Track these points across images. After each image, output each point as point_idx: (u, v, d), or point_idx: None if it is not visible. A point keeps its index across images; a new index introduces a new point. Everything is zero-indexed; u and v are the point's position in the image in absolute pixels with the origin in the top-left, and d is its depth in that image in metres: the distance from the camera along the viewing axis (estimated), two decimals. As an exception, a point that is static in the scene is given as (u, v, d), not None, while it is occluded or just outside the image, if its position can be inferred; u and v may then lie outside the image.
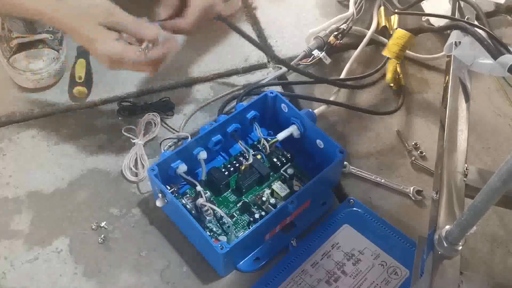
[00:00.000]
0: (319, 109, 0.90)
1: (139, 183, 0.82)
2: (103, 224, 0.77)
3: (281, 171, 0.80)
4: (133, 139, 0.84)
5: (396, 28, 1.02)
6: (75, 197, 0.80)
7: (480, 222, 0.53)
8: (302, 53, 0.98)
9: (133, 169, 0.82)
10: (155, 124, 0.86)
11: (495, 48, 0.74)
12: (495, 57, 0.73)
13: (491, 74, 0.76)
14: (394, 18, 1.04)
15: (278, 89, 0.94)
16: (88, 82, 0.90)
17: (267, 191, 0.78)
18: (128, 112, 0.89)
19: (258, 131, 0.82)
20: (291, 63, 0.95)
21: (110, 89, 0.93)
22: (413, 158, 0.87)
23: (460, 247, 0.58)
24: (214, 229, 0.74)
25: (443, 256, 0.59)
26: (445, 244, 0.58)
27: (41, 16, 0.73)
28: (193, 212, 0.73)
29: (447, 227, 0.59)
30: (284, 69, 0.96)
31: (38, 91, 0.91)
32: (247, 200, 0.78)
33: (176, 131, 0.88)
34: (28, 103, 0.90)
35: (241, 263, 0.74)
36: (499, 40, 0.75)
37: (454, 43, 0.81)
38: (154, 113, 0.87)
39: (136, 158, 0.83)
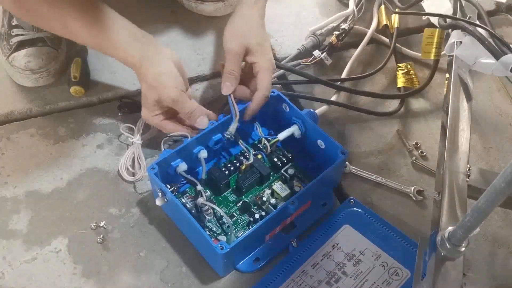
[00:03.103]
0: (320, 109, 0.89)
1: (137, 183, 0.81)
2: (102, 223, 0.76)
3: (282, 171, 0.80)
4: (131, 138, 0.83)
5: (397, 27, 1.02)
6: (74, 197, 0.79)
7: (482, 223, 0.52)
8: (296, 51, 0.97)
9: (130, 168, 0.82)
10: (154, 123, 0.85)
11: (497, 47, 0.74)
12: (497, 57, 0.72)
13: (494, 74, 0.76)
14: (395, 17, 1.03)
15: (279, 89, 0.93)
16: (84, 81, 0.90)
17: (268, 191, 0.77)
18: (128, 109, 0.88)
19: (259, 131, 0.81)
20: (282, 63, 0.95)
21: (109, 88, 0.92)
22: (413, 158, 0.87)
23: (463, 249, 0.58)
24: (214, 229, 0.74)
25: (446, 258, 0.59)
26: (448, 245, 0.58)
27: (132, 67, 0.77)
28: (193, 211, 0.72)
29: (450, 228, 0.59)
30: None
31: (37, 90, 0.90)
32: (247, 200, 0.78)
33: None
34: (27, 102, 0.89)
35: (241, 263, 0.73)
36: (501, 39, 0.75)
37: (455, 43, 0.81)
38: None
39: (133, 157, 0.82)
